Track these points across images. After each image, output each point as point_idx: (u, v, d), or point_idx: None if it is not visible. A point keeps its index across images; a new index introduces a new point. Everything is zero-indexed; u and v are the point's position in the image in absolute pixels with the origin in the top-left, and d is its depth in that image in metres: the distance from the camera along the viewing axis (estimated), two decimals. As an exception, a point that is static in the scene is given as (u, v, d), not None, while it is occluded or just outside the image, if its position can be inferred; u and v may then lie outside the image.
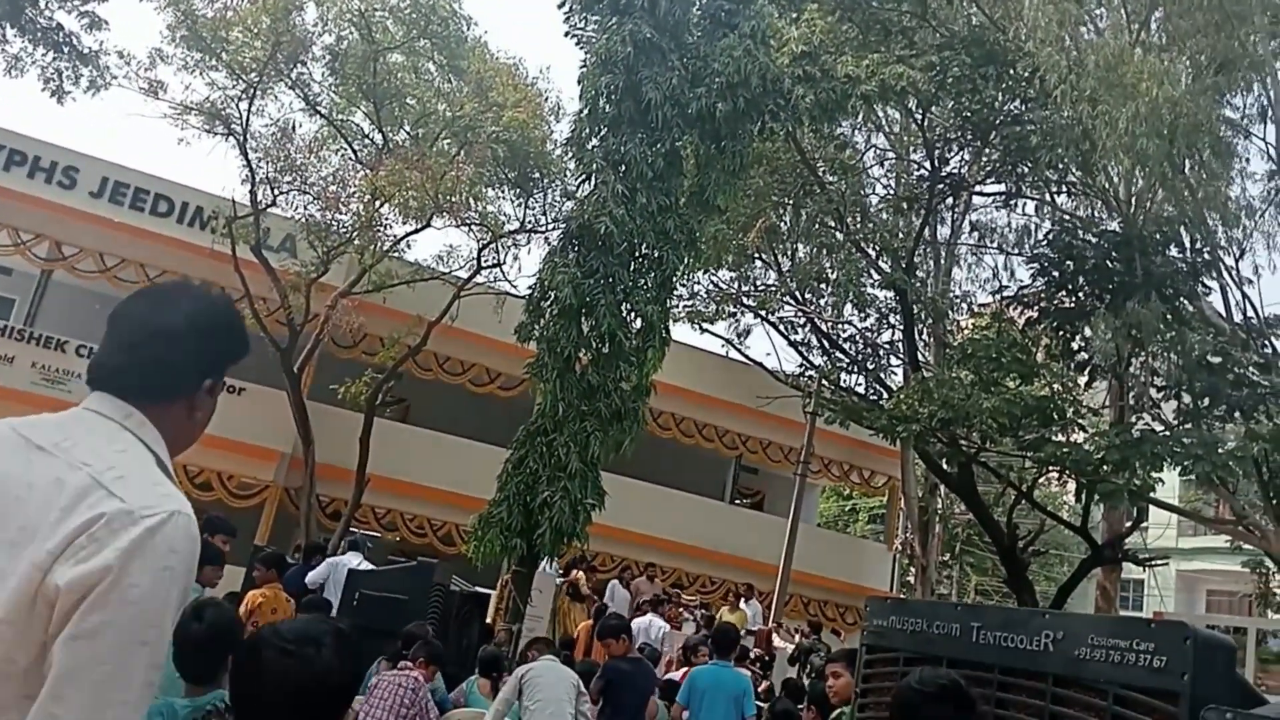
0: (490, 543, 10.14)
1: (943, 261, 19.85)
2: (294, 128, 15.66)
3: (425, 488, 16.96)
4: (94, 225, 16.37)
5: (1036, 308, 13.96)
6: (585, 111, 11.07)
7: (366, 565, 9.05)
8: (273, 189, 15.05)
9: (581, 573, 12.58)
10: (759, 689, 9.62)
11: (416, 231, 15.62)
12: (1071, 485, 14.40)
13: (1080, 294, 13.18)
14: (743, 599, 14.95)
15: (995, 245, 19.57)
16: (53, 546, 1.32)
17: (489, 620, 10.58)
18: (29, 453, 1.43)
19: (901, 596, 23.39)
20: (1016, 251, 18.83)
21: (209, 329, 1.65)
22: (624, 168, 10.93)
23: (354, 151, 16.67)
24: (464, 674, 7.62)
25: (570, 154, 12.55)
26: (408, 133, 17.02)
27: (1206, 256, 12.96)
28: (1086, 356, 13.55)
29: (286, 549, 14.11)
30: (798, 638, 13.73)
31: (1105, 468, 11.48)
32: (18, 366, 15.57)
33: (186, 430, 1.64)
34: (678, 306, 17.70)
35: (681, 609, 14.05)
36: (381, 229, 15.31)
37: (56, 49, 14.34)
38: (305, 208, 15.20)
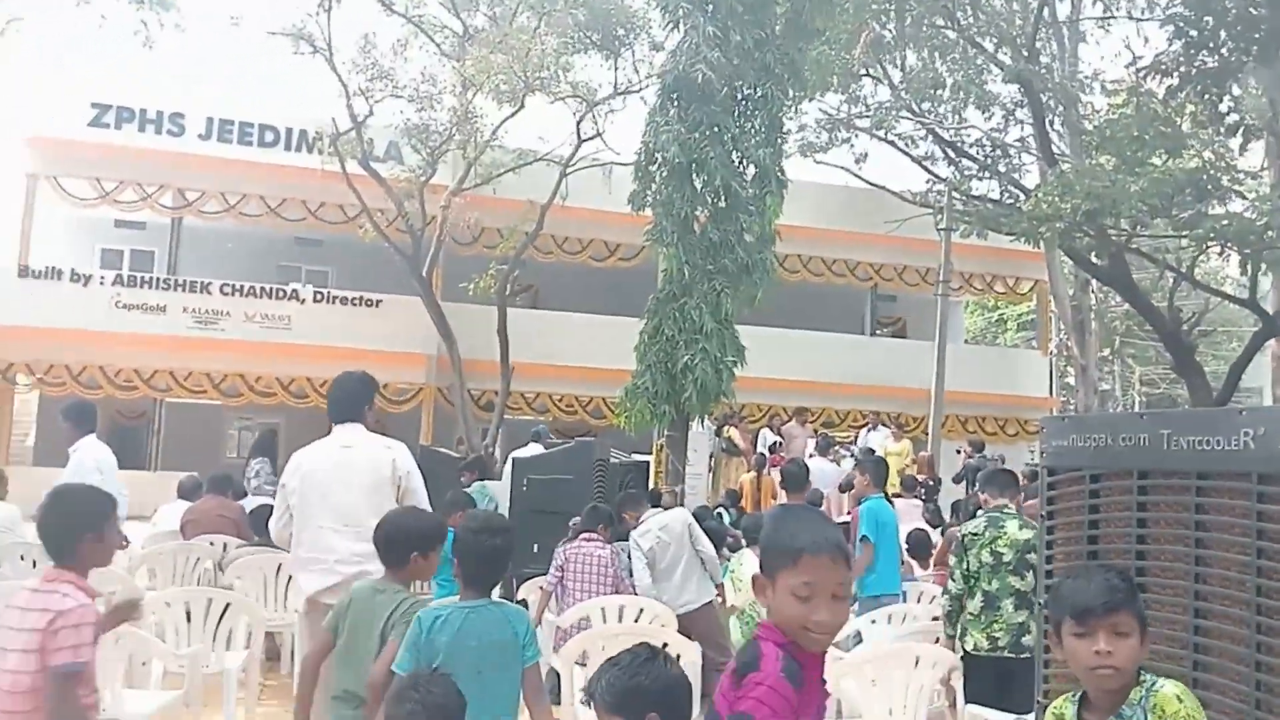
0: (640, 412, 10.31)
1: (1067, 42, 18.46)
2: (374, 34, 15.56)
3: (567, 367, 17.29)
4: (209, 167, 16.84)
5: (1176, 74, 12.79)
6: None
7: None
8: (367, 100, 15.11)
9: (734, 428, 12.68)
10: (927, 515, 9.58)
11: (512, 115, 15.46)
12: (1235, 258, 13.43)
13: (1224, 50, 11.99)
14: (868, 429, 14.88)
15: (1123, 12, 17.96)
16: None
17: (652, 486, 10.84)
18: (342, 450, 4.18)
19: (1065, 401, 22.79)
20: (1147, 15, 17.25)
21: (355, 384, 4.28)
22: (711, 6, 10.43)
23: (437, 45, 16.47)
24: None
25: (654, 3, 12.05)
26: (485, 15, 16.67)
27: (1365, -23, 11.53)
28: (1238, 118, 12.48)
29: (449, 444, 14.78)
30: (961, 457, 13.59)
31: (1270, 234, 10.68)
32: (171, 314, 16.42)
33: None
34: (788, 143, 17.07)
35: (838, 446, 14.07)
36: (478, 119, 15.26)
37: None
38: (401, 112, 15.35)
